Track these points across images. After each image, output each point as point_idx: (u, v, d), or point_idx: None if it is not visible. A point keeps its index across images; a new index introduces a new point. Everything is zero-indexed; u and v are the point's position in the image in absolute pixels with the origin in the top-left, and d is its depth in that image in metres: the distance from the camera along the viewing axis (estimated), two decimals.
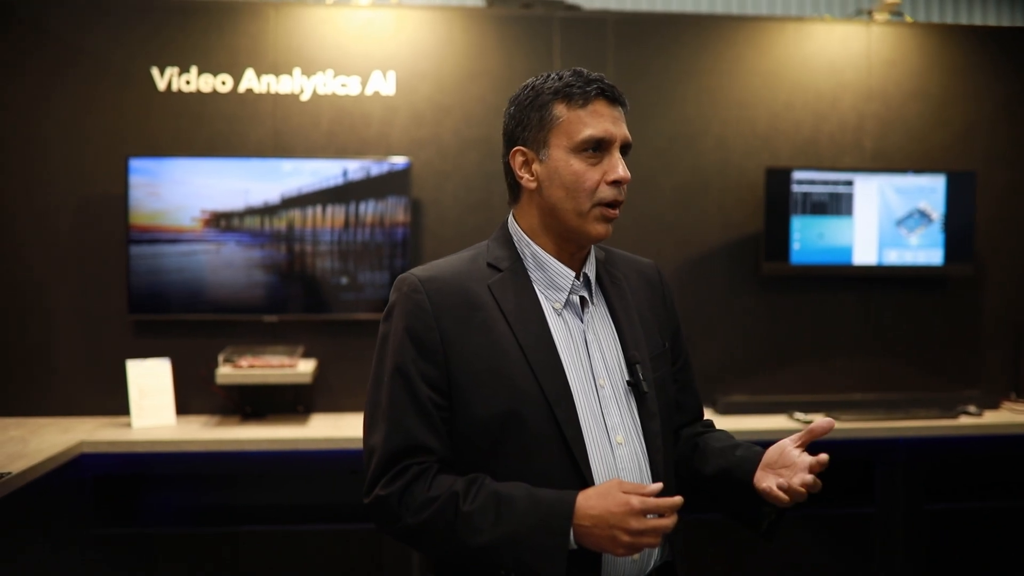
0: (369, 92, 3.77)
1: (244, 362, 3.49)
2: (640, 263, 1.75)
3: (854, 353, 4.00)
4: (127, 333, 3.66)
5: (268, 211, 3.66)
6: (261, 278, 3.66)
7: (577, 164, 1.52)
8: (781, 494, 1.47)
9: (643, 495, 1.39)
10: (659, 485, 1.42)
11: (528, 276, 1.58)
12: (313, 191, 3.67)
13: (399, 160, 3.68)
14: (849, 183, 3.87)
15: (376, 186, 3.69)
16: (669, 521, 1.40)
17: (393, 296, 1.56)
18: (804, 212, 3.85)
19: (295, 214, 3.67)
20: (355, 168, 3.67)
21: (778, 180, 3.82)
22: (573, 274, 1.59)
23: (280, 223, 3.67)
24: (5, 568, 2.85)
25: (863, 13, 4.11)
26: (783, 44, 3.97)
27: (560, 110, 1.53)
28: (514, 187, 1.61)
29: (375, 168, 3.68)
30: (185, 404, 3.64)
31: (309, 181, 3.66)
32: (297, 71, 3.74)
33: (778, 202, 3.83)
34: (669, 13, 3.94)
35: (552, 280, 1.59)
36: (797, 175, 3.83)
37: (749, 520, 1.61)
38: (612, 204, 1.54)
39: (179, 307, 3.62)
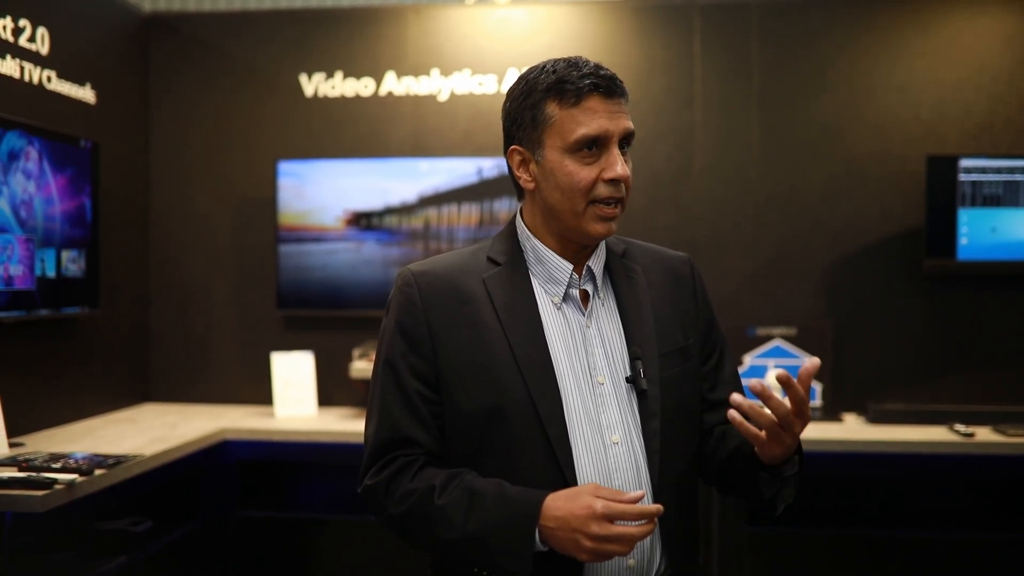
0: (505, 90, 3.77)
1: None
2: (669, 256, 1.65)
3: None
4: (276, 327, 3.85)
5: (405, 210, 3.74)
6: None
7: (572, 165, 1.45)
8: (740, 418, 1.31)
9: (616, 500, 1.30)
10: (640, 492, 1.33)
11: (527, 270, 1.54)
12: (449, 189, 3.72)
13: None
14: None
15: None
16: (638, 529, 1.31)
17: (392, 291, 1.55)
18: (973, 204, 3.49)
19: (431, 212, 3.73)
20: (489, 166, 3.69)
21: (942, 169, 3.49)
22: (571, 267, 1.52)
23: (417, 221, 3.75)
24: (159, 543, 3.06)
25: None
26: (952, 21, 3.62)
27: (552, 109, 1.45)
28: (517, 184, 1.55)
29: None
30: (329, 396, 3.78)
31: (445, 180, 3.72)
32: (435, 72, 3.80)
33: (941, 193, 3.49)
34: None
35: (551, 274, 1.53)
36: (964, 163, 3.48)
37: (757, 494, 1.46)
38: (609, 202, 1.45)
39: (322, 303, 3.77)
